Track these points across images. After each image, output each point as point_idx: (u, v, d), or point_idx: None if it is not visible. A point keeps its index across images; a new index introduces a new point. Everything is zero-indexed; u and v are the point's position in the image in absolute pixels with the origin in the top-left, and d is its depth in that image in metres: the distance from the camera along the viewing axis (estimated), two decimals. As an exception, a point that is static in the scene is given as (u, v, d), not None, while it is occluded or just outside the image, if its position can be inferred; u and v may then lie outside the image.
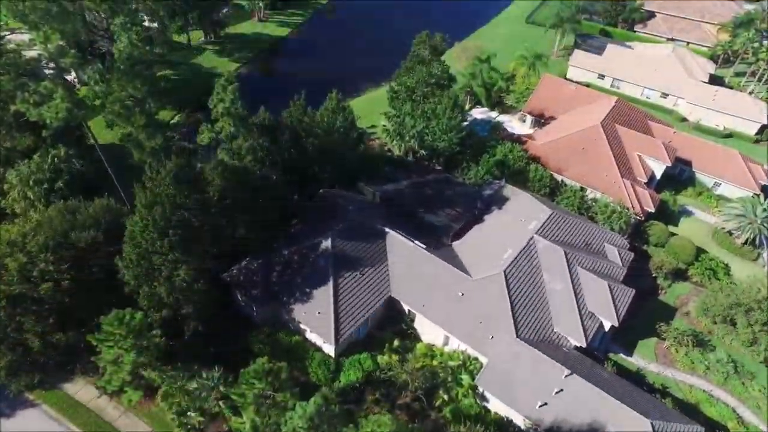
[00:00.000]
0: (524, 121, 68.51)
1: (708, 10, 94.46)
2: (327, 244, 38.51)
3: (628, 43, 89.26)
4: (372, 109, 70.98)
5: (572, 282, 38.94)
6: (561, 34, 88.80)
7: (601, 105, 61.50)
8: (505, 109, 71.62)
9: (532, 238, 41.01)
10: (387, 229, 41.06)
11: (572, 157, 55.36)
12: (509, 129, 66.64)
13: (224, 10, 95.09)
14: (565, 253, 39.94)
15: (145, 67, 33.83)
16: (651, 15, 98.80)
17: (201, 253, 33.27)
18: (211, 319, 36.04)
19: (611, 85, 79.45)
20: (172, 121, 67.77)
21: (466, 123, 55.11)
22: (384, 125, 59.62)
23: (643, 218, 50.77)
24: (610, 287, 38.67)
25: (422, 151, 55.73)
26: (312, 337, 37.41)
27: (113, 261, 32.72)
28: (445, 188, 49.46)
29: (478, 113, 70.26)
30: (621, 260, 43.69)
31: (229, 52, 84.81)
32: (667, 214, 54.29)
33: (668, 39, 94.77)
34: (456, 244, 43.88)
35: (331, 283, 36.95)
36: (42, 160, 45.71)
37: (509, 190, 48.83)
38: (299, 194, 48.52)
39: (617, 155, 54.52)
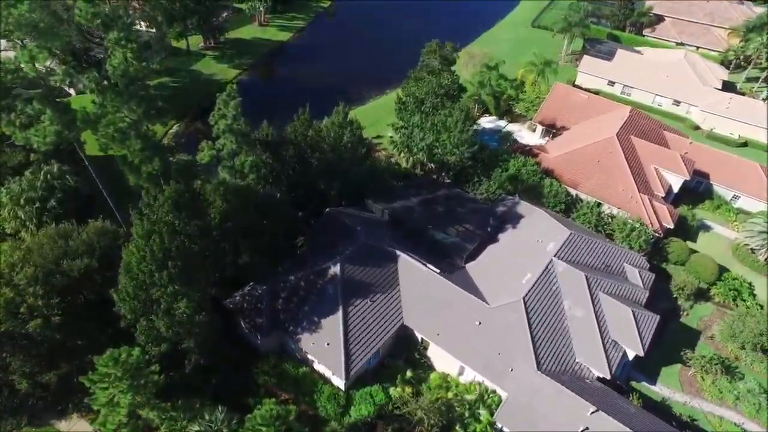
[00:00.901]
0: (534, 131, 66.47)
1: (718, 13, 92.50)
2: (336, 269, 36.39)
3: (637, 48, 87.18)
4: (377, 118, 68.99)
5: (594, 308, 36.89)
6: (569, 39, 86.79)
7: (614, 115, 59.46)
8: (514, 118, 69.58)
9: (551, 262, 38.94)
10: (398, 252, 38.95)
11: (587, 170, 53.33)
12: (519, 138, 64.65)
13: (224, 14, 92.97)
14: (586, 277, 37.88)
15: (141, 87, 31.54)
16: (659, 19, 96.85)
17: (202, 283, 31.15)
18: (213, 350, 33.96)
19: (621, 92, 77.47)
20: (171, 131, 65.59)
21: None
22: (391, 136, 57.58)
23: (661, 235, 48.76)
24: (634, 314, 36.64)
25: (431, 164, 53.72)
26: (320, 368, 35.32)
27: (108, 291, 30.66)
28: (457, 205, 47.35)
29: (487, 122, 68.20)
30: (642, 282, 41.68)
31: (229, 57, 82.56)
32: (685, 229, 52.30)
33: (677, 43, 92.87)
34: (470, 267, 41.81)
35: (340, 313, 34.85)
36: (34, 177, 43.60)
37: (524, 206, 46.73)
38: (304, 211, 46.50)
39: (633, 168, 52.48)
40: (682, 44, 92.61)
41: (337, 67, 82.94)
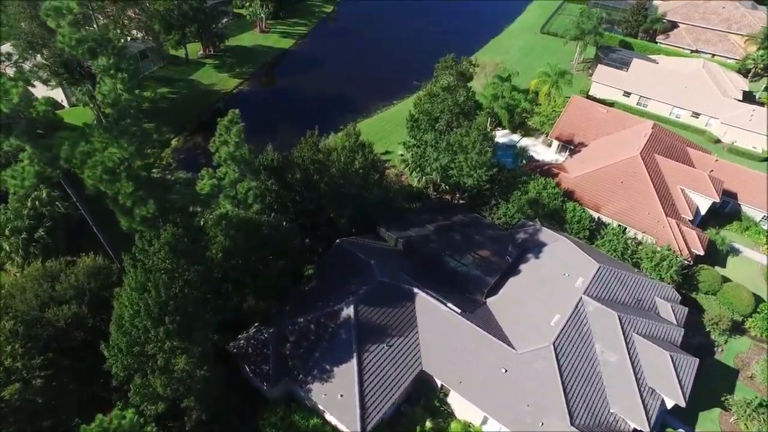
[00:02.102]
0: (550, 145, 63.51)
1: (735, 20, 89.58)
2: (349, 311, 33.38)
3: (652, 57, 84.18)
4: (385, 132, 66.03)
5: (629, 352, 33.94)
6: (582, 47, 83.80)
7: (636, 131, 56.49)
8: (528, 132, 66.56)
9: (580, 300, 35.97)
10: (416, 290, 35.93)
11: (609, 192, 50.35)
12: (534, 154, 61.63)
13: (224, 20, 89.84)
14: (618, 317, 34.92)
15: (133, 121, 28.27)
16: (673, 25, 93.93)
17: (203, 334, 28.11)
18: (216, 401, 30.95)
19: (638, 103, 74.57)
20: (168, 146, 62.48)
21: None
22: (401, 154, 54.57)
23: (691, 262, 45.81)
24: (672, 359, 33.68)
25: (444, 185, 50.73)
26: (332, 419, 32.30)
27: (99, 340, 27.64)
28: (474, 232, 44.37)
29: (500, 136, 65.17)
30: (675, 318, 38.75)
31: (229, 66, 79.40)
32: (714, 254, 49.38)
33: (692, 51, 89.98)
34: (492, 302, 38.81)
35: (354, 360, 31.84)
36: (21, 205, 40.49)
37: (546, 233, 43.77)
38: (312, 238, 43.53)
39: (659, 190, 49.52)
40: (697, 52, 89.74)
41: (342, 76, 79.86)
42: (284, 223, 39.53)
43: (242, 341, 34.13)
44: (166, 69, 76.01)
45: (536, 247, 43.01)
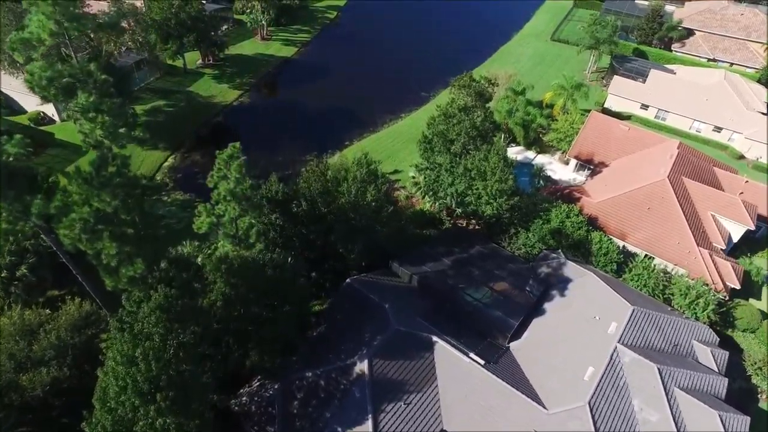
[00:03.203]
0: (567, 164, 60.25)
1: (755, 27, 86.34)
2: (363, 367, 30.13)
3: (668, 66, 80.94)
4: (393, 149, 62.73)
5: (671, 411, 30.70)
6: (597, 57, 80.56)
7: (661, 151, 53.24)
8: (544, 148, 63.27)
9: (615, 350, 32.72)
10: (435, 338, 32.67)
11: (635, 219, 47.11)
12: (551, 173, 58.33)
13: (224, 27, 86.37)
14: (658, 370, 31.68)
15: (117, 170, 24.82)
16: (690, 33, 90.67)
17: (202, 404, 24.83)
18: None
19: (656, 117, 71.35)
20: (165, 164, 59.09)
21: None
22: (413, 176, 51.32)
23: (726, 297, 42.58)
24: (722, 419, 30.44)
25: (459, 210, 47.45)
26: (343, 486, 29.06)
27: (83, 405, 24.40)
28: (494, 265, 41.12)
29: (514, 152, 61.79)
30: (716, 364, 35.52)
31: (229, 76, 76.02)
32: (748, 285, 46.14)
33: (709, 59, 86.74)
34: (516, 348, 35.56)
35: (370, 422, 28.56)
36: (2, 240, 37.13)
37: (571, 268, 40.56)
38: (319, 271, 40.32)
39: (689, 217, 46.30)
40: (714, 60, 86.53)
41: (346, 87, 76.51)
42: (289, 260, 36.33)
43: (245, 397, 30.90)
44: (162, 80, 72.60)
45: (561, 282, 39.81)
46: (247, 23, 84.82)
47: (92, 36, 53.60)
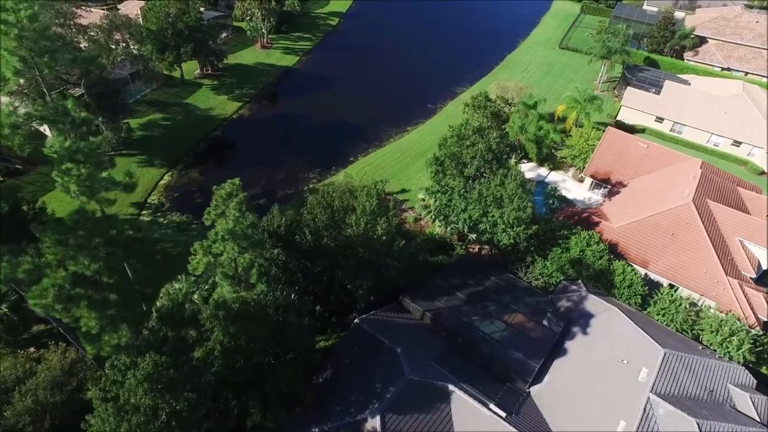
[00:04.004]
0: (582, 181, 57.59)
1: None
2: (375, 423, 27.46)
3: (682, 76, 78.32)
4: (400, 164, 60.06)
5: (712, 470, 28.06)
6: (609, 67, 77.96)
7: (682, 170, 50.65)
8: (557, 164, 60.61)
9: (648, 401, 30.06)
10: (451, 387, 30.01)
11: (659, 245, 44.49)
12: (564, 191, 55.62)
13: (223, 35, 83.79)
14: (698, 425, 29.01)
15: (99, 226, 21.87)
16: (702, 41, 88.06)
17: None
18: None
19: (671, 130, 68.73)
20: (161, 182, 56.34)
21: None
22: (422, 199, 48.66)
23: (760, 332, 39.90)
24: (767, 481, 27.78)
25: (472, 236, 44.83)
26: None
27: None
28: (511, 299, 38.47)
29: (526, 169, 59.15)
30: (757, 412, 32.83)
31: (228, 87, 73.38)
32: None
33: (723, 69, 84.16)
34: (537, 393, 32.93)
35: (382, 489, 25.96)
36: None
37: (592, 302, 37.96)
38: (324, 305, 37.78)
39: (715, 243, 43.69)
40: (728, 69, 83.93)
41: (349, 98, 73.84)
42: (293, 296, 33.73)
43: (244, 456, 28.20)
44: (159, 92, 69.95)
45: (583, 318, 37.22)
46: (246, 31, 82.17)
47: (83, 51, 50.83)
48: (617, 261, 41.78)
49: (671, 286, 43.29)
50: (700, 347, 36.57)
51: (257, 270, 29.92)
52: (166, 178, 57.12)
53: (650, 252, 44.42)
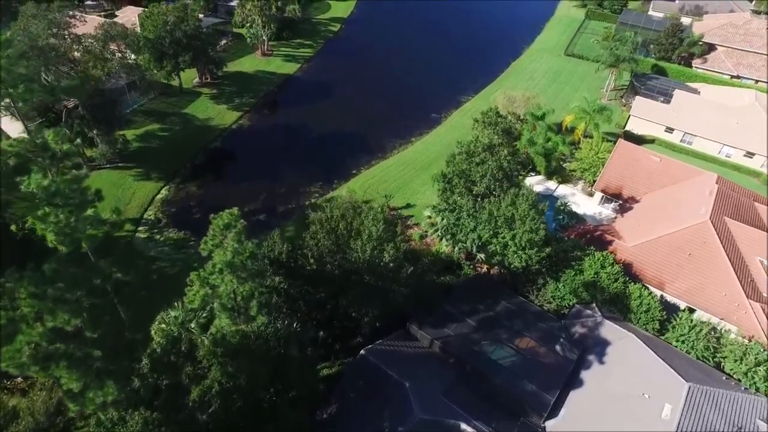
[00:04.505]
0: (592, 195, 55.82)
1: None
2: (382, 469, 25.71)
3: (691, 85, 76.76)
4: (404, 177, 58.27)
5: None
6: (617, 75, 76.32)
7: (697, 186, 48.96)
8: (565, 177, 58.84)
9: (674, 441, 28.29)
10: (463, 425, 28.25)
11: (675, 266, 42.73)
12: (574, 205, 53.81)
13: (223, 42, 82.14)
14: (727, 468, 27.25)
15: (81, 281, 19.62)
16: (710, 47, 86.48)
17: None
18: None
19: (681, 140, 67.04)
20: (158, 196, 54.50)
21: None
22: (429, 216, 46.88)
23: (783, 358, 38.11)
24: None
25: (480, 256, 43.05)
26: None
27: None
28: (523, 325, 36.72)
29: (534, 182, 57.31)
30: (783, 449, 31.05)
31: (228, 96, 71.69)
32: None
33: (732, 77, 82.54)
34: (553, 428, 31.13)
35: None
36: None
37: (608, 328, 36.23)
38: (328, 330, 36.00)
39: (735, 264, 41.94)
40: (738, 77, 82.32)
41: (352, 107, 72.13)
42: (295, 325, 31.98)
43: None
44: (157, 101, 68.25)
45: (598, 345, 35.48)
46: (247, 38, 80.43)
47: (77, 61, 49.19)
48: (633, 283, 40.01)
49: (689, 309, 41.52)
50: (724, 378, 34.79)
51: (258, 302, 28.15)
52: (163, 192, 55.28)
53: (666, 273, 42.66)
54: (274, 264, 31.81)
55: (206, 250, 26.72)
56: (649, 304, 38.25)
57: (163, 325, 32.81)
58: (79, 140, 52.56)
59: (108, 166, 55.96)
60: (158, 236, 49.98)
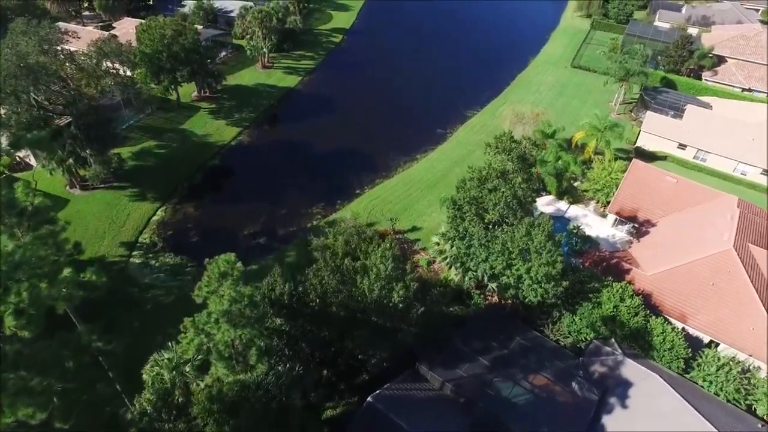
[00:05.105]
0: (605, 217, 53.70)
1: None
2: None
3: (702, 99, 74.83)
4: (410, 198, 56.14)
5: None
6: (627, 88, 74.40)
7: (717, 209, 46.85)
8: (576, 197, 56.71)
9: (710, 502, 26.02)
10: (480, 486, 25.99)
11: (698, 296, 40.52)
12: (586, 227, 51.46)
13: (222, 54, 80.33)
14: None
15: (52, 354, 17.15)
16: (720, 60, 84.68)
17: None
18: None
19: (694, 157, 64.99)
20: (154, 217, 52.28)
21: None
22: (437, 243, 44.72)
23: (815, 398, 35.84)
24: None
25: (492, 285, 40.87)
26: None
27: None
28: (539, 363, 34.57)
29: (543, 203, 55.23)
30: (824, 505, 28.78)
31: (227, 111, 69.75)
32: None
33: (744, 90, 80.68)
34: (575, 484, 28.86)
35: None
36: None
37: (630, 367, 34.03)
38: (331, 368, 33.79)
39: (762, 294, 39.71)
40: (749, 90, 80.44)
41: (354, 122, 70.16)
42: (297, 368, 29.77)
43: None
44: (154, 116, 66.28)
45: (620, 387, 33.30)
46: (246, 50, 78.46)
47: (70, 79, 47.19)
48: (654, 318, 37.77)
49: (713, 343, 39.32)
50: (760, 425, 32.50)
51: (257, 348, 25.99)
52: (159, 213, 53.12)
53: (688, 304, 40.45)
54: (275, 306, 29.60)
55: (200, 297, 24.52)
56: (673, 341, 36.00)
57: (157, 368, 30.52)
58: (71, 160, 50.70)
59: (102, 186, 53.89)
60: (154, 261, 47.75)
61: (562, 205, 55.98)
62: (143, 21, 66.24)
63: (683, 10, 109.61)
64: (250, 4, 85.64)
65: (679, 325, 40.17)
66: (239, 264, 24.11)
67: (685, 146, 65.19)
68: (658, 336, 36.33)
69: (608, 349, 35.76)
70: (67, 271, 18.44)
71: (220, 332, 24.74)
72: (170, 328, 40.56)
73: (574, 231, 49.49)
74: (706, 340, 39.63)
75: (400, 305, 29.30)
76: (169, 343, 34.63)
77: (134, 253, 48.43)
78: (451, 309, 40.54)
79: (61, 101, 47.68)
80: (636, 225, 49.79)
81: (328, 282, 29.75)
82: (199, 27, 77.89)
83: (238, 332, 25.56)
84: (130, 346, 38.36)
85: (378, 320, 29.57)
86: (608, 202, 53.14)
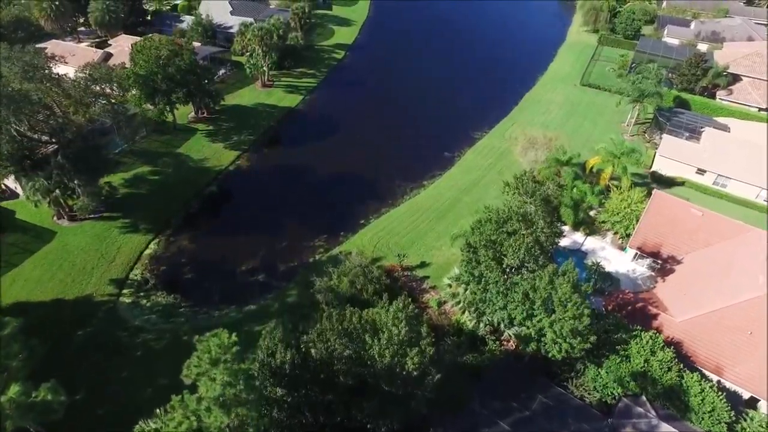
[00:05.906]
0: (624, 250, 50.66)
1: (811, 75, 77.72)
2: None
3: (719, 120, 72.11)
4: (418, 230, 53.04)
5: None
6: (641, 110, 71.69)
7: (748, 245, 43.84)
8: (592, 228, 53.65)
9: None
10: None
11: (733, 346, 37.41)
12: (604, 261, 48.31)
13: (221, 72, 77.64)
14: None
15: None
16: (735, 78, 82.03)
17: None
18: None
19: (714, 183, 62.08)
20: (146, 251, 49.15)
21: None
22: (449, 285, 41.61)
23: None
24: None
25: (509, 332, 37.79)
26: None
27: None
28: (563, 427, 31.29)
29: (559, 235, 52.13)
30: None
31: (225, 133, 66.88)
32: None
33: (761, 109, 77.93)
34: None
35: None
36: None
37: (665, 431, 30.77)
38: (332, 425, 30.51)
39: (801, 344, 36.58)
40: (766, 110, 77.66)
41: (358, 145, 67.30)
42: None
43: None
44: (148, 139, 63.42)
45: (656, 455, 30.00)
46: (246, 68, 75.68)
47: (57, 105, 44.32)
48: (689, 373, 34.58)
49: (753, 399, 36.13)
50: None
51: (255, 430, 22.82)
52: (152, 246, 50.02)
53: (724, 355, 37.30)
54: (275, 375, 26.44)
55: (190, 377, 21.39)
56: (713, 403, 32.73)
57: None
58: (57, 191, 47.65)
59: (92, 216, 50.87)
60: (145, 301, 44.62)
61: (579, 236, 52.90)
62: (139, 40, 63.63)
63: (692, 26, 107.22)
64: (250, 20, 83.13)
65: (715, 377, 37.01)
66: (234, 341, 20.96)
67: (704, 171, 62.33)
68: (695, 396, 33.12)
69: (640, 410, 32.59)
70: (13, 391, 15.20)
71: (212, 417, 21.61)
72: (161, 378, 37.92)
73: (594, 267, 46.38)
74: (746, 395, 36.43)
75: (415, 373, 26.15)
76: (157, 410, 31.51)
77: (124, 291, 45.28)
78: (464, 358, 37.43)
79: (47, 129, 44.80)
80: (659, 261, 46.75)
81: (336, 348, 26.58)
82: (198, 44, 75.50)
83: (233, 412, 22.51)
84: (116, 407, 35.17)
85: (390, 388, 26.40)
86: (627, 235, 50.18)
